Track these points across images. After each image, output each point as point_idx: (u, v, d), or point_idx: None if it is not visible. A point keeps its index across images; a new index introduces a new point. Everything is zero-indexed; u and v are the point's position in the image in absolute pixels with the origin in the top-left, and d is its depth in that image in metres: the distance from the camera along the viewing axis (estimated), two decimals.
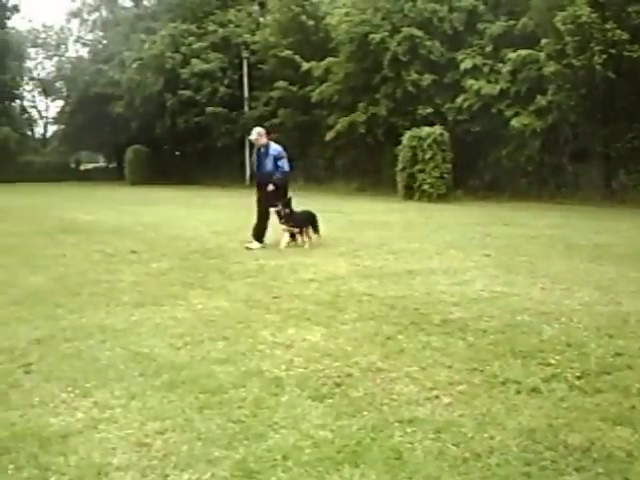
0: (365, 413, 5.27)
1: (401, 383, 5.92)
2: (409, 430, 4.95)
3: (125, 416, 5.31)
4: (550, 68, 26.63)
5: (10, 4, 63.12)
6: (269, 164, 14.99)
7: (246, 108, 45.16)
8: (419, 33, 32.01)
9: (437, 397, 5.59)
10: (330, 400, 5.55)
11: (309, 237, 14.88)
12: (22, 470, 4.45)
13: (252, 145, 15.93)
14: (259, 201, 15.17)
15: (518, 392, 5.71)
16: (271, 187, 14.82)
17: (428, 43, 32.16)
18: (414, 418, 5.16)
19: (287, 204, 14.77)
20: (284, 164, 15.12)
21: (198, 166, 49.57)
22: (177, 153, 55.44)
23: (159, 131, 49.17)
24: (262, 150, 15.15)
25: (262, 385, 5.89)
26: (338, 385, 5.88)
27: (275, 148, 15.20)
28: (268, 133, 15.84)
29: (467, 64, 30.86)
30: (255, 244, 14.66)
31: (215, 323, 8.07)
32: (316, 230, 15.04)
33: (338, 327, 7.81)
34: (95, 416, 5.32)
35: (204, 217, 21.79)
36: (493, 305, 8.85)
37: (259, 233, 14.87)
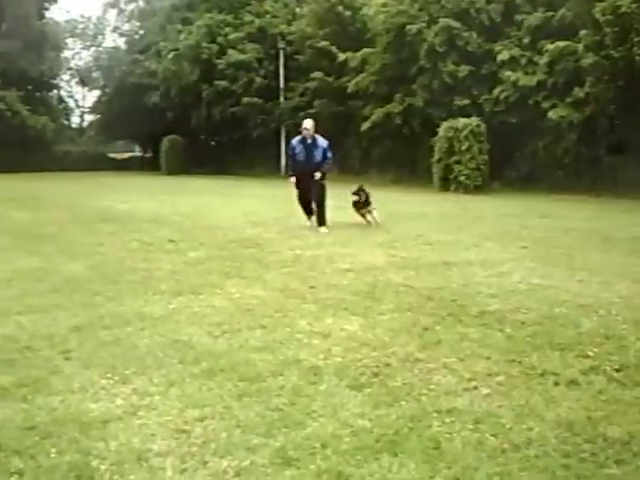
0: (403, 403, 5.27)
1: (439, 374, 5.91)
2: (447, 420, 4.94)
3: (164, 403, 5.34)
4: (588, 60, 26.39)
5: None
6: (318, 155, 15.74)
7: (282, 99, 45.16)
8: (456, 24, 31.85)
9: (475, 388, 5.58)
10: (368, 389, 5.55)
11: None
12: (64, 454, 4.49)
13: (288, 135, 16.36)
14: (306, 190, 15.93)
15: (556, 384, 5.68)
16: (319, 175, 15.60)
17: (465, 34, 31.99)
18: (452, 408, 5.15)
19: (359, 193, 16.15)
20: (331, 155, 16.03)
21: (233, 156, 49.65)
22: (213, 143, 55.53)
23: (195, 121, 49.34)
24: (309, 141, 15.81)
25: (300, 374, 5.91)
26: (376, 375, 5.88)
27: (324, 140, 15.98)
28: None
29: (504, 55, 30.63)
30: (323, 229, 15.46)
31: (252, 312, 8.09)
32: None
33: (375, 317, 7.81)
34: (134, 403, 5.35)
35: (240, 207, 21.85)
36: (531, 297, 8.80)
37: (321, 218, 15.77)
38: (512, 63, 30.55)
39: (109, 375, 5.94)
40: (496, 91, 30.80)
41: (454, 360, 6.24)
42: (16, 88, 52.92)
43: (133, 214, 19.80)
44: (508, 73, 30.20)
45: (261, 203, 23.50)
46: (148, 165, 59.00)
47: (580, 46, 27.07)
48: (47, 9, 63.34)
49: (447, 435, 4.71)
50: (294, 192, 16.31)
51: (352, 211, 16.37)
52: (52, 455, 4.48)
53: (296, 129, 17.77)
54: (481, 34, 32.29)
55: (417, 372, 5.96)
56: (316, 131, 16.06)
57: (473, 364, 6.14)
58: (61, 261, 11.85)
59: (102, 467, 4.33)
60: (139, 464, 4.38)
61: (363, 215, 16.08)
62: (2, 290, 9.47)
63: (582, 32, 26.83)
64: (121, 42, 71.83)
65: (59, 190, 32.63)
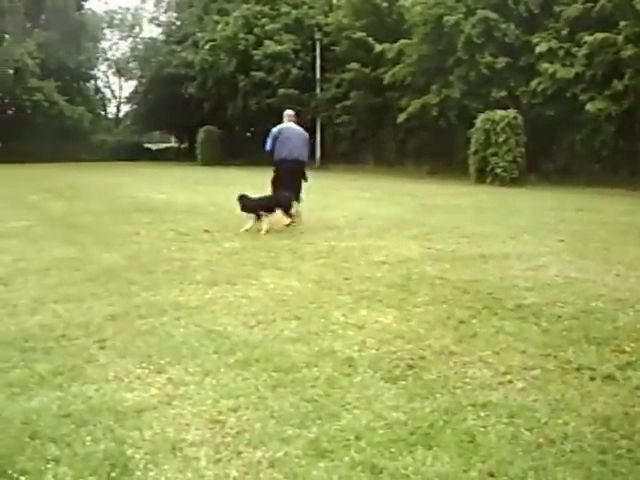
0: (438, 396, 5.26)
1: (474, 367, 5.89)
2: (482, 414, 4.93)
3: (199, 393, 5.37)
4: (628, 52, 26.10)
5: None
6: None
7: (318, 90, 45.14)
8: (494, 15, 31.62)
9: (510, 382, 5.56)
10: (403, 382, 5.55)
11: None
12: (99, 442, 4.53)
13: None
14: None
15: (592, 379, 5.64)
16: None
17: (503, 26, 31.73)
18: (487, 402, 5.13)
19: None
20: (267, 143, 15.20)
21: None
22: (248, 134, 55.55)
23: (231, 112, 49.37)
24: None
25: (335, 365, 5.91)
26: (411, 367, 5.87)
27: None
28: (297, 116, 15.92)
29: (542, 47, 30.33)
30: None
31: (287, 303, 8.11)
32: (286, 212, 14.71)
33: (410, 310, 7.80)
34: (169, 392, 5.39)
35: None
36: (567, 291, 8.74)
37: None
38: (550, 55, 30.25)
39: (144, 364, 5.99)
40: (534, 83, 30.52)
41: (489, 353, 6.22)
42: (54, 78, 53.41)
43: (169, 204, 19.90)
44: (546, 65, 29.91)
45: None
46: (184, 156, 59.28)
47: (620, 38, 26.76)
48: (85, 0, 63.87)
49: (482, 429, 4.70)
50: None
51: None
52: (87, 443, 4.53)
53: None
54: (519, 26, 32.01)
55: (452, 365, 5.94)
56: (295, 121, 16.14)
57: (508, 358, 6.11)
58: (97, 250, 11.93)
59: (137, 456, 4.36)
60: (173, 454, 4.41)
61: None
62: (39, 279, 9.55)
63: (622, 23, 26.52)
64: (158, 33, 72.18)
65: (95, 180, 32.83)
